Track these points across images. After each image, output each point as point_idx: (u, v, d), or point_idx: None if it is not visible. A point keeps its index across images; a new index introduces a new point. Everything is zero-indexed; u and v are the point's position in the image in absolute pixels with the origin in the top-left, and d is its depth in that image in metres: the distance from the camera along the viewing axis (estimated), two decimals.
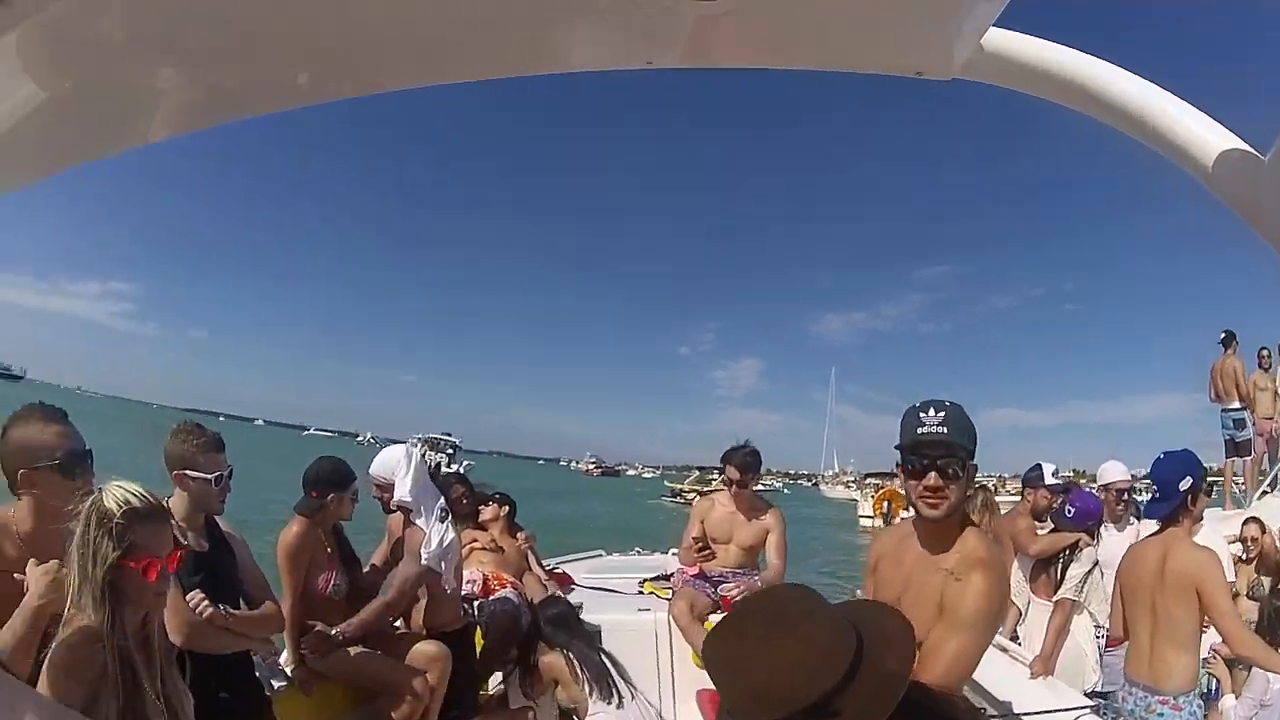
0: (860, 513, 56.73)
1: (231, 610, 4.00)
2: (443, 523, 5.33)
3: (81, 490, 2.79)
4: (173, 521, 3.70)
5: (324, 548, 5.03)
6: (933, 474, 3.00)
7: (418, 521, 5.25)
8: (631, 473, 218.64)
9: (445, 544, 5.29)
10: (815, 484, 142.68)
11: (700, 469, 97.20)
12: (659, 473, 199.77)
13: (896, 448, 3.12)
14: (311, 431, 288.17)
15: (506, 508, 7.65)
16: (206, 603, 3.81)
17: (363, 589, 5.23)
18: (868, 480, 78.32)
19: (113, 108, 2.03)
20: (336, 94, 2.19)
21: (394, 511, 5.43)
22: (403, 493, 5.23)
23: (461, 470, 60.55)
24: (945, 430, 2.98)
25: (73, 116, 2.01)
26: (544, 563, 7.99)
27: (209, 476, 3.97)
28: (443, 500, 5.50)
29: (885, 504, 52.38)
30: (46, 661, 2.51)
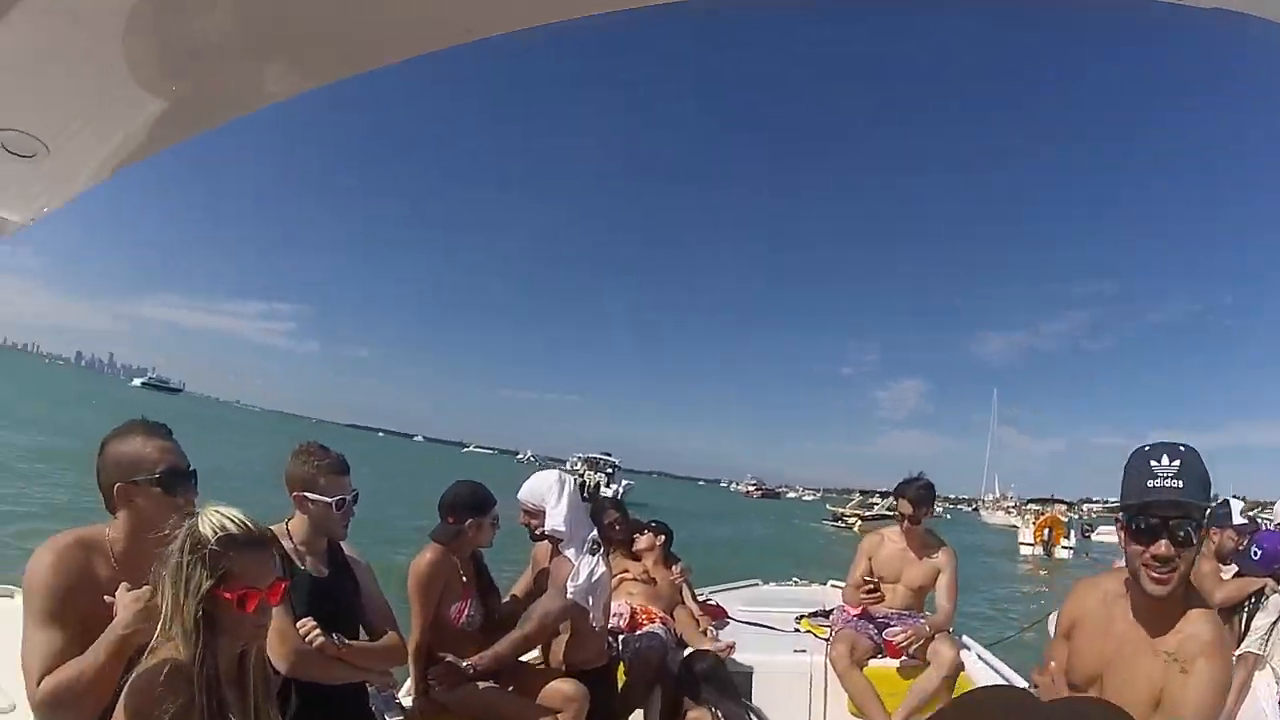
0: (1020, 540, 54.56)
1: (347, 640, 3.72)
2: (593, 555, 4.86)
3: (184, 510, 2.53)
4: (291, 545, 3.67)
5: (459, 576, 4.65)
6: (1163, 541, 2.41)
7: (566, 552, 4.80)
8: (792, 495, 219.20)
9: (595, 578, 4.81)
10: (975, 509, 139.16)
11: (863, 492, 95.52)
12: (819, 495, 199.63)
13: (1121, 504, 2.54)
14: (471, 449, 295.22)
15: (662, 537, 7.13)
16: (318, 631, 3.55)
17: (500, 621, 4.84)
18: (1028, 505, 75.90)
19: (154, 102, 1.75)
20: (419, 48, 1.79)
21: (541, 539, 4.96)
22: (554, 521, 4.76)
23: (621, 490, 60.45)
24: (1181, 484, 2.39)
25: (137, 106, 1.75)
26: (698, 593, 7.46)
27: (329, 500, 3.73)
28: (595, 531, 5.01)
29: (1045, 531, 50.64)
30: (125, 689, 2.25)
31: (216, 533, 2.33)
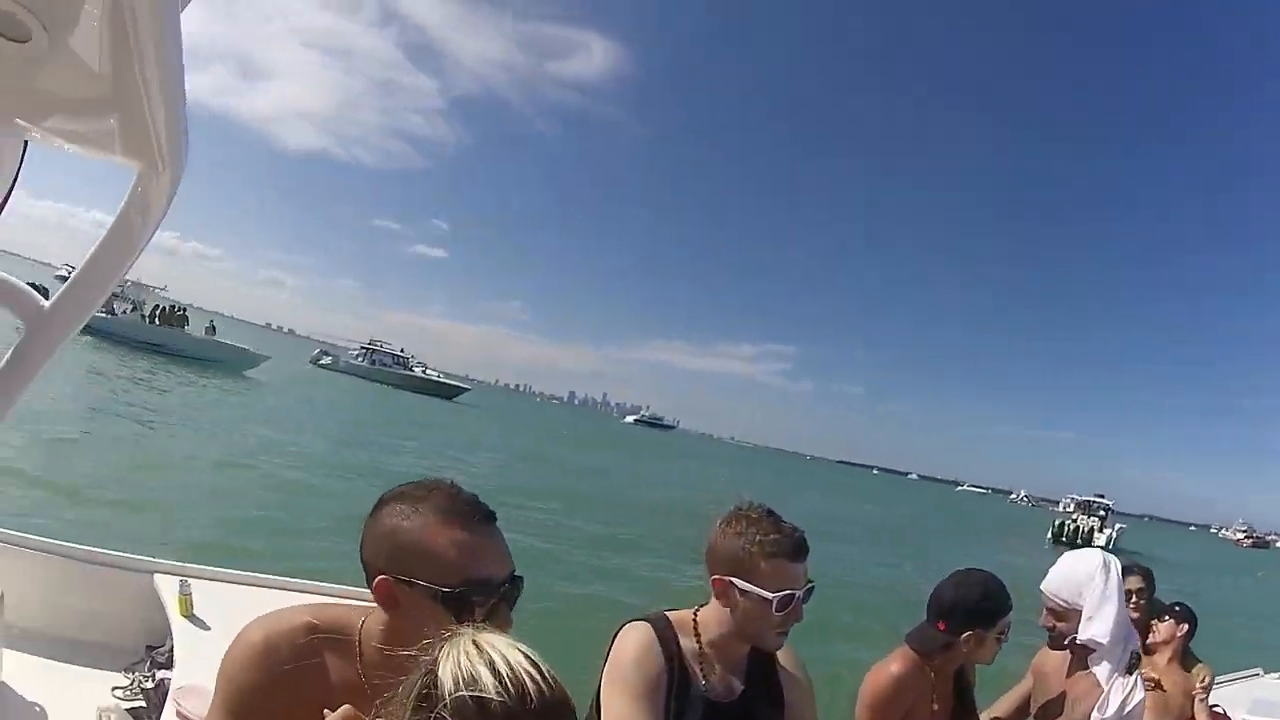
0: None
1: None
2: (1130, 674, 3.30)
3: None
4: (693, 646, 2.56)
5: (929, 701, 3.17)
6: None
7: (1095, 668, 3.29)
8: None
9: (1128, 708, 3.24)
10: None
11: None
12: None
13: None
14: (965, 487, 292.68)
15: (1185, 626, 4.98)
16: None
17: None
18: None
19: None
20: None
21: (1063, 648, 3.42)
22: (1094, 629, 3.26)
23: (1114, 535, 55.96)
24: None
25: None
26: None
27: (770, 596, 2.43)
28: (1137, 640, 3.45)
29: None
30: None
31: (460, 688, 1.23)
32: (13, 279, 1.92)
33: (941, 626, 3.15)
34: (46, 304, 1.90)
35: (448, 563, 1.67)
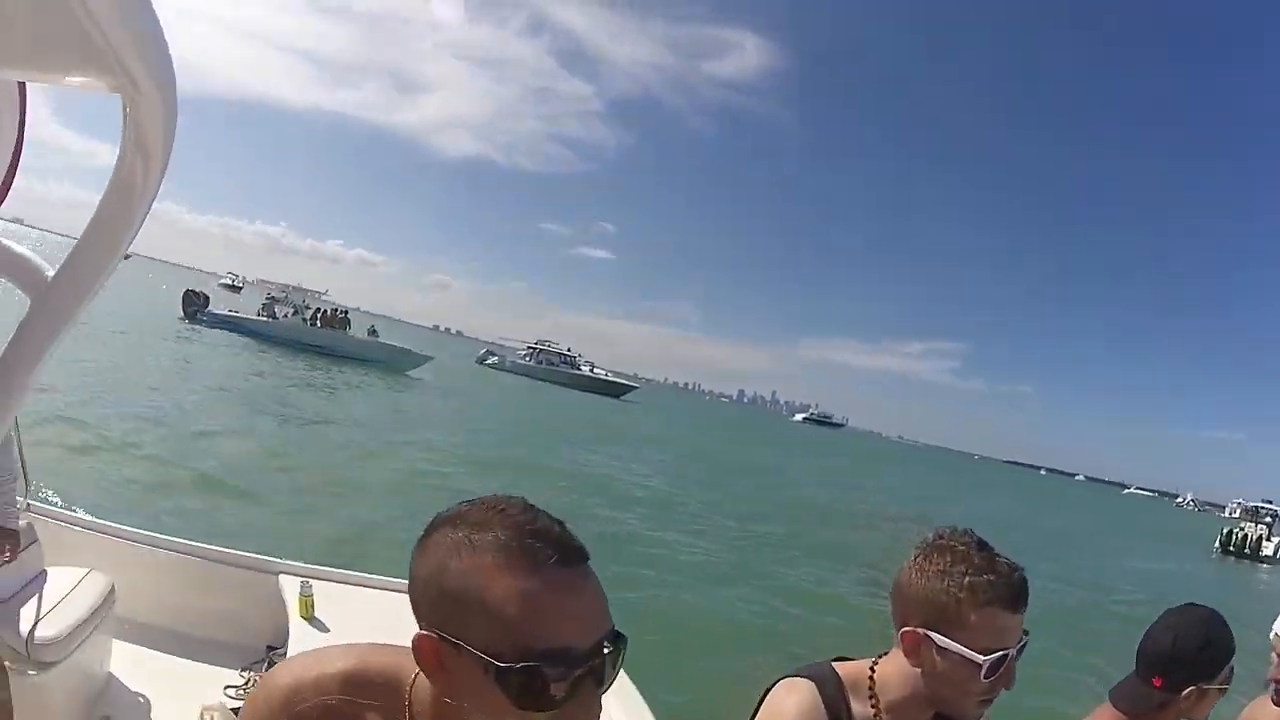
0: None
1: None
2: None
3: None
4: (865, 710, 1.94)
5: None
6: None
7: None
8: None
9: None
10: None
11: None
12: None
13: None
14: (1131, 490, 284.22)
15: None
16: None
17: None
18: None
19: None
20: None
21: None
22: None
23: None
24: None
25: None
26: None
27: (979, 659, 1.81)
28: None
29: None
30: None
31: None
32: (17, 247, 1.65)
33: (1157, 683, 2.50)
34: (50, 272, 1.61)
35: (506, 623, 1.10)
